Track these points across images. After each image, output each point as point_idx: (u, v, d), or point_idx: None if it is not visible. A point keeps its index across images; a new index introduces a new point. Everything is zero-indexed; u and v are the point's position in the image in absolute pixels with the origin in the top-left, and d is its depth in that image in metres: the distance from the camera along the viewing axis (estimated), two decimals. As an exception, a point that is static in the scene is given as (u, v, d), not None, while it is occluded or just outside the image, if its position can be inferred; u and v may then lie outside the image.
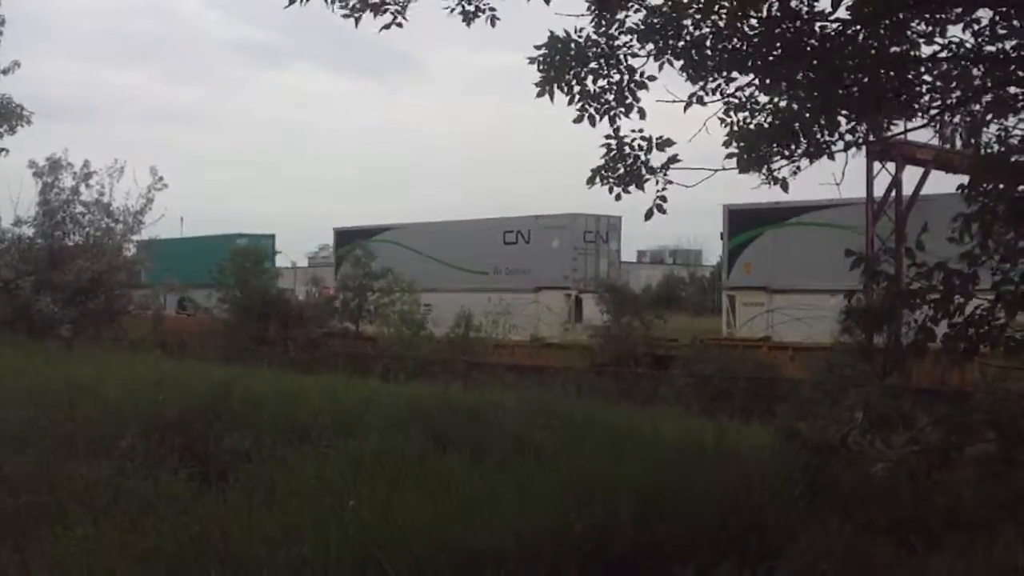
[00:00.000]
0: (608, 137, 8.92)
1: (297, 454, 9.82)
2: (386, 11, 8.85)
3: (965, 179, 8.57)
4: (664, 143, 8.82)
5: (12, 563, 7.07)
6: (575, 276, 31.16)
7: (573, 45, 8.71)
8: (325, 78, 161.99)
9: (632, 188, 8.97)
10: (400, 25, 8.92)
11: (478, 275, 32.38)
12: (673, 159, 8.82)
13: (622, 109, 8.89)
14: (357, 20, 8.83)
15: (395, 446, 10.00)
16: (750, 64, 8.72)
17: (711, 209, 29.29)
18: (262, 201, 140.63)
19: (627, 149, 8.90)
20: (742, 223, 28.86)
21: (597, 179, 9.01)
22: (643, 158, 8.87)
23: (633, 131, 8.89)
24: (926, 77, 8.95)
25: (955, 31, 8.56)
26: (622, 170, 8.94)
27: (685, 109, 8.82)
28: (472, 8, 8.95)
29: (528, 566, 7.22)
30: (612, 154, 8.93)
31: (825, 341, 22.69)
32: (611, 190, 9.03)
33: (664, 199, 8.93)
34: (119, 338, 28.15)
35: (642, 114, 8.90)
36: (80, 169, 30.05)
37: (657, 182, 8.90)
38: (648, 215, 8.94)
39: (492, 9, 8.94)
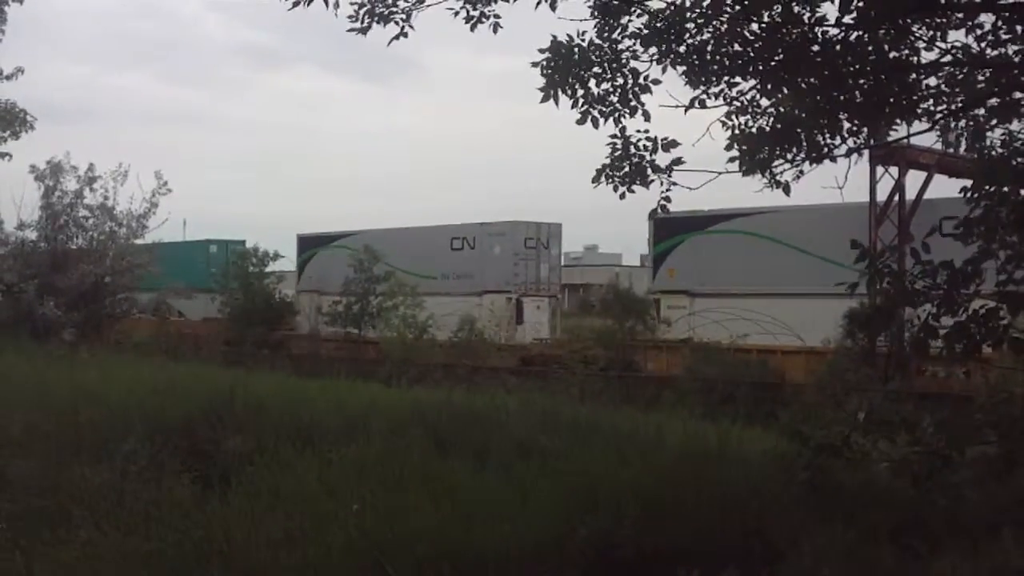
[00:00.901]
0: (614, 136, 8.95)
1: (300, 458, 9.82)
2: (392, 22, 8.91)
3: (968, 183, 8.57)
4: (669, 144, 8.85)
5: (16, 567, 7.08)
6: (516, 280, 32.63)
7: (576, 49, 8.73)
8: (327, 80, 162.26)
9: (636, 188, 9.01)
10: (406, 35, 9.01)
11: (428, 279, 33.82)
12: (678, 160, 8.85)
13: (627, 111, 8.92)
14: (365, 31, 8.91)
15: (398, 450, 10.00)
16: (752, 68, 8.72)
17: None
18: (265, 203, 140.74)
19: (632, 149, 8.93)
20: (666, 230, 30.17)
21: (602, 178, 9.04)
22: (648, 158, 8.90)
23: (639, 131, 8.94)
24: (929, 82, 8.96)
25: (958, 36, 8.58)
26: (627, 169, 8.97)
27: (685, 111, 8.84)
28: (476, 13, 8.98)
29: (532, 571, 7.23)
30: (618, 153, 8.96)
31: (746, 343, 25.13)
32: (616, 189, 9.07)
33: (668, 199, 8.99)
34: (121, 341, 28.15)
35: (646, 116, 8.93)
36: (84, 173, 30.09)
37: (662, 183, 8.94)
38: (652, 215, 9.06)
39: (496, 16, 8.98)
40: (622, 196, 9.08)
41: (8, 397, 13.02)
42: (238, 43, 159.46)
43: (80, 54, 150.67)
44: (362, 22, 8.93)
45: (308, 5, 8.58)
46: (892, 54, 8.58)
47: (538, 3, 8.81)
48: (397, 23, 8.98)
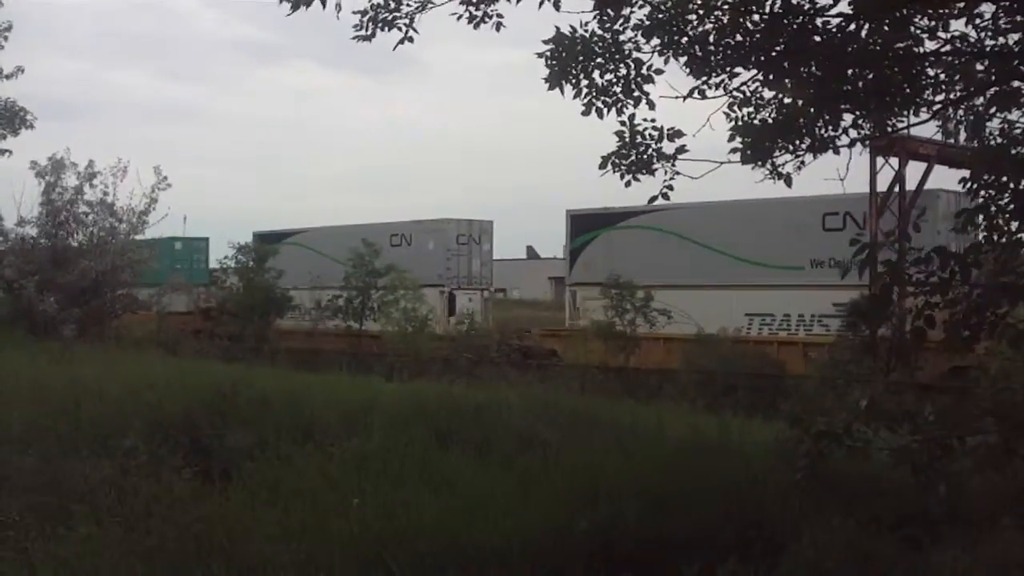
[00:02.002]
0: (622, 124, 8.98)
1: (301, 452, 9.83)
2: (396, 27, 8.92)
3: (968, 174, 8.56)
4: (675, 133, 8.89)
5: (16, 563, 7.08)
6: (448, 275, 34.59)
7: (580, 40, 8.74)
8: (325, 75, 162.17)
9: (642, 176, 9.05)
10: (411, 39, 9.02)
11: None
12: (682, 149, 8.88)
13: (630, 101, 8.94)
14: (370, 38, 8.92)
15: (399, 444, 10.01)
16: (753, 59, 8.72)
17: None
18: (263, 199, 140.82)
19: (639, 138, 8.96)
20: (581, 226, 32.11)
21: (608, 165, 9.08)
22: (655, 146, 8.93)
23: (645, 120, 8.97)
24: (929, 72, 8.94)
25: (958, 26, 8.56)
26: (634, 157, 9.00)
27: (684, 100, 8.85)
28: (480, 14, 8.99)
29: (533, 564, 7.23)
30: (625, 142, 8.99)
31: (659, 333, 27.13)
32: (622, 177, 9.11)
33: (671, 187, 9.02)
34: (122, 336, 28.13)
35: (651, 105, 8.96)
36: (84, 169, 30.05)
37: (665, 172, 8.98)
38: (652, 200, 9.12)
39: (499, 16, 8.99)
40: (627, 184, 9.14)
41: (8, 393, 13.01)
42: (235, 38, 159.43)
43: (77, 50, 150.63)
44: (366, 29, 8.95)
45: (308, 8, 8.56)
46: (893, 44, 8.57)
47: (541, 2, 8.82)
48: (400, 29, 8.99)
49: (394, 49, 9.09)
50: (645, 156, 8.94)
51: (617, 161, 9.02)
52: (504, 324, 33.29)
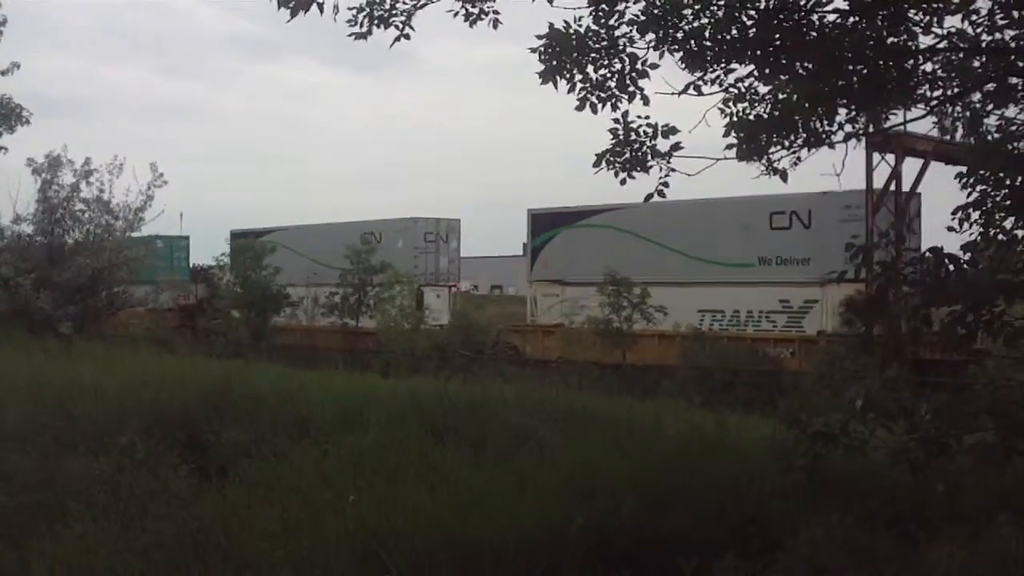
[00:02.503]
0: (616, 122, 8.96)
1: (297, 449, 9.82)
2: (392, 25, 8.89)
3: (965, 170, 8.56)
4: (669, 130, 8.87)
5: (12, 561, 7.07)
6: (416, 272, 35.32)
7: (574, 35, 8.73)
8: (322, 72, 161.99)
9: (636, 174, 9.03)
10: (408, 37, 8.99)
11: (339, 270, 35.80)
12: (677, 146, 8.87)
13: (625, 96, 8.93)
14: (366, 36, 8.89)
15: (395, 441, 10.00)
16: (749, 54, 8.71)
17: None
18: (261, 195, 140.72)
19: (633, 135, 8.94)
20: (542, 224, 32.86)
21: (603, 163, 9.06)
22: (649, 144, 8.91)
23: (639, 117, 8.95)
24: (925, 67, 8.94)
25: (954, 21, 8.55)
26: (628, 155, 8.99)
27: (679, 95, 8.84)
28: (476, 11, 8.97)
29: (529, 560, 7.22)
30: (619, 139, 8.98)
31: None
32: (616, 174, 9.10)
33: (666, 184, 9.02)
34: (119, 334, 28.11)
35: (645, 100, 8.94)
36: (80, 166, 29.99)
37: (661, 169, 8.96)
38: (648, 198, 9.11)
39: (496, 13, 8.97)
40: (623, 182, 9.14)
41: (5, 391, 12.99)
42: (233, 35, 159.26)
43: (74, 47, 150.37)
44: (362, 26, 8.91)
45: (307, 12, 8.53)
46: (889, 40, 8.56)
47: None
48: (397, 27, 8.96)
49: (391, 46, 9.05)
50: (640, 153, 8.93)
51: (612, 159, 9.01)
52: (471, 321, 33.58)
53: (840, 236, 24.16)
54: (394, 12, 8.91)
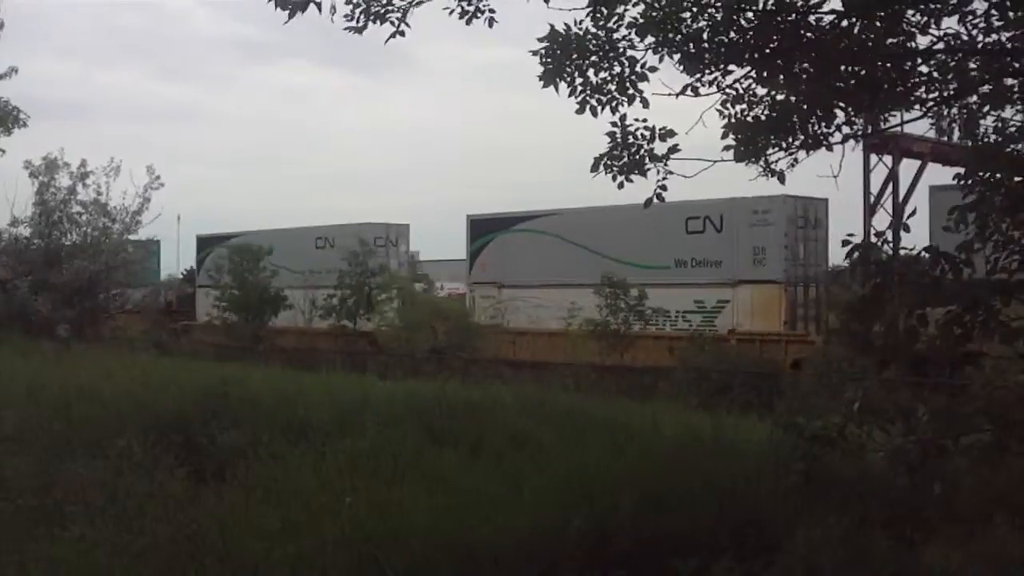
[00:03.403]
0: (614, 125, 8.96)
1: (294, 452, 9.81)
2: (388, 21, 8.89)
3: (962, 171, 8.56)
4: (667, 133, 8.88)
5: (10, 563, 7.07)
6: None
7: (574, 38, 8.73)
8: (317, 74, 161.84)
9: (634, 177, 9.03)
10: (403, 34, 8.98)
11: (297, 274, 38.07)
12: (674, 148, 8.87)
13: (624, 99, 8.93)
14: (361, 30, 8.88)
15: (392, 443, 10.00)
16: (747, 56, 8.71)
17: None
18: (257, 198, 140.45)
19: (631, 138, 8.95)
20: (480, 229, 34.65)
21: (600, 167, 9.06)
22: (647, 147, 8.92)
23: (637, 120, 8.96)
24: (922, 69, 8.94)
25: (950, 23, 8.56)
26: (626, 158, 8.99)
27: (677, 97, 8.84)
28: (472, 9, 8.96)
29: (527, 563, 7.22)
30: (616, 142, 8.98)
31: (545, 327, 29.93)
32: (614, 178, 9.10)
33: (664, 188, 9.02)
34: (116, 337, 28.12)
35: (645, 103, 8.94)
36: (77, 169, 30.02)
37: (658, 171, 8.96)
38: (647, 203, 9.09)
39: (492, 11, 8.97)
40: (620, 186, 9.12)
41: (2, 394, 13.00)
42: (228, 37, 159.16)
43: (68, 50, 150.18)
44: (358, 21, 8.90)
45: (304, 12, 8.52)
46: (886, 41, 8.57)
47: None
48: (393, 23, 8.96)
49: (386, 43, 9.00)
50: (637, 157, 8.93)
51: (609, 163, 9.00)
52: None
53: (749, 239, 27.76)
54: (390, 8, 8.89)
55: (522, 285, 31.46)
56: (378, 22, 8.91)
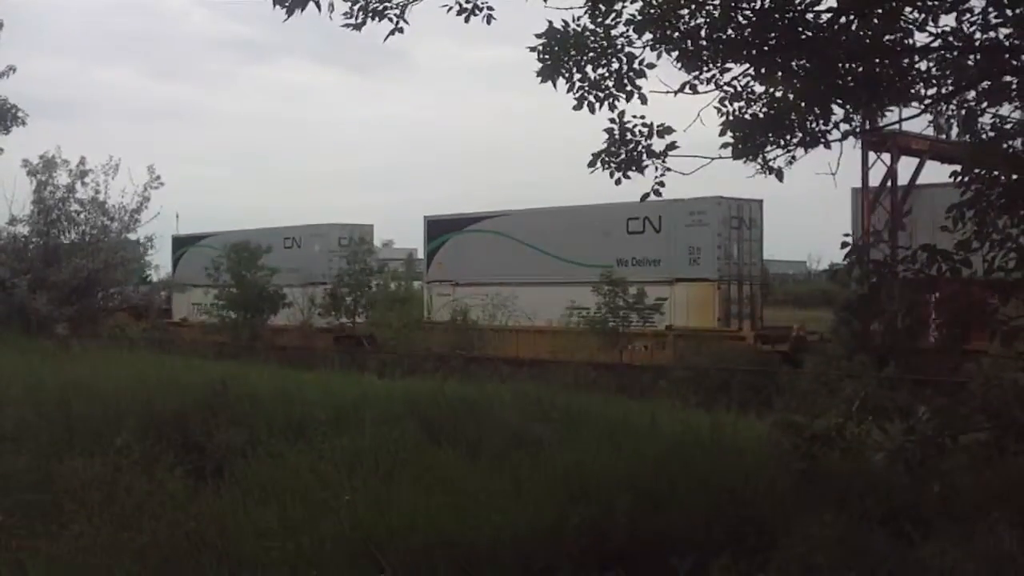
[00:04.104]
0: (612, 121, 8.97)
1: (293, 450, 9.81)
2: (386, 18, 8.88)
3: (960, 169, 8.56)
4: (664, 130, 8.88)
5: (8, 561, 7.07)
6: (331, 274, 37.12)
7: (572, 34, 8.73)
8: (314, 72, 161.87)
9: (632, 173, 9.04)
10: (401, 31, 8.97)
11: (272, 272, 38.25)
12: (672, 145, 8.88)
13: (622, 96, 8.93)
14: (359, 27, 8.86)
15: (390, 441, 9.99)
16: (744, 54, 8.72)
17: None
18: (256, 197, 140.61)
19: (628, 135, 8.95)
20: (436, 230, 35.76)
21: (598, 163, 9.07)
22: (644, 143, 8.92)
23: (635, 117, 8.96)
24: (920, 66, 8.94)
25: (948, 20, 8.56)
26: (623, 155, 8.99)
27: (675, 94, 8.84)
28: (470, 6, 8.96)
29: (525, 560, 7.22)
30: (614, 139, 8.98)
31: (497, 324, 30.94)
32: (612, 174, 9.10)
33: (662, 184, 9.01)
34: (115, 335, 28.10)
35: (643, 100, 8.95)
36: (76, 167, 29.97)
37: (656, 168, 8.97)
38: (644, 198, 9.10)
39: (490, 8, 8.96)
40: (618, 182, 9.13)
41: (0, 392, 12.99)
42: (224, 36, 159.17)
43: (65, 49, 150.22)
44: (356, 18, 8.88)
45: (303, 10, 8.50)
46: (884, 38, 8.57)
47: None
48: (391, 19, 8.94)
49: (384, 40, 9.01)
50: (635, 153, 8.95)
51: (607, 159, 9.02)
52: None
53: (686, 239, 29.06)
54: (388, 4, 8.88)
55: (475, 283, 32.58)
56: (376, 19, 8.90)
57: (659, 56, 8.84)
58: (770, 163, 9.21)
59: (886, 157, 25.24)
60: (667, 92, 8.90)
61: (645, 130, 8.95)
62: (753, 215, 29.56)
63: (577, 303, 29.73)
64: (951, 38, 8.50)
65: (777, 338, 27.79)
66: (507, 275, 31.88)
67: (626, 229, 30.26)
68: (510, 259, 32.22)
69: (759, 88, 9.05)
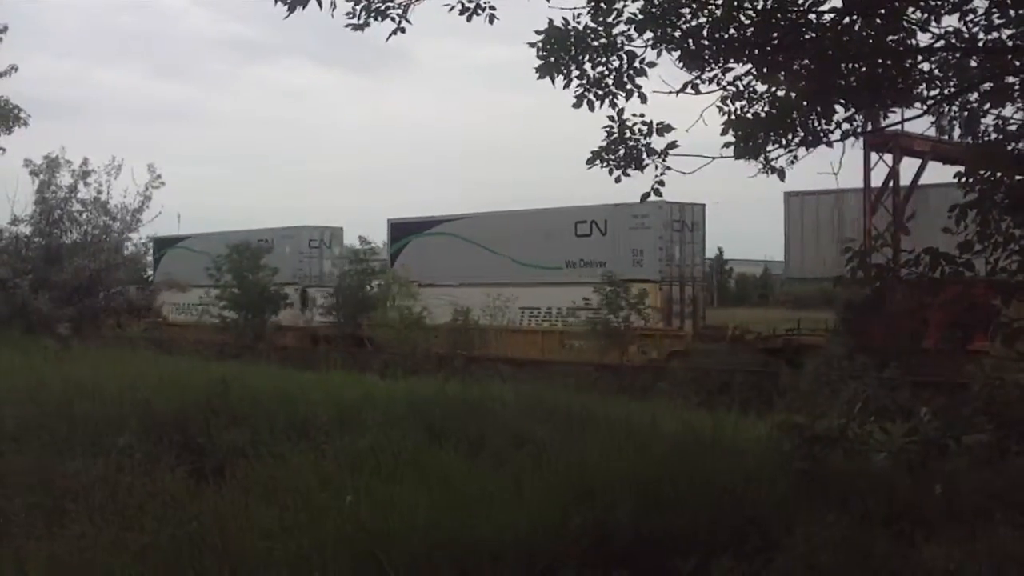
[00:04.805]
0: (611, 119, 8.96)
1: (294, 450, 9.80)
2: (389, 18, 8.88)
3: (962, 170, 8.56)
4: (664, 128, 8.88)
5: (9, 561, 7.06)
6: (301, 274, 39.55)
7: (572, 31, 8.73)
8: (315, 72, 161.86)
9: (632, 172, 9.03)
10: (404, 30, 8.97)
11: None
12: (673, 144, 8.87)
13: (622, 94, 8.93)
14: (362, 28, 8.87)
15: (392, 441, 9.99)
16: (747, 53, 8.71)
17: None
18: (257, 197, 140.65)
19: (628, 133, 8.94)
20: (398, 232, 37.54)
21: (597, 161, 9.06)
22: (644, 141, 8.91)
23: (635, 115, 8.95)
24: (923, 67, 8.94)
25: (951, 21, 8.56)
26: (623, 152, 8.98)
27: (677, 94, 8.83)
28: (472, 5, 8.96)
29: (527, 561, 7.21)
30: (613, 137, 8.98)
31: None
32: (611, 172, 9.10)
33: (662, 183, 9.00)
34: (117, 336, 28.10)
35: (643, 98, 8.94)
36: (78, 167, 29.98)
37: (656, 167, 8.96)
38: (644, 197, 9.08)
39: (492, 8, 8.96)
40: (617, 180, 9.11)
41: (3, 392, 12.99)
42: (225, 37, 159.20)
43: (66, 49, 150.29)
44: (359, 18, 8.89)
45: (305, 7, 8.50)
46: (886, 39, 8.56)
47: None
48: (394, 19, 8.95)
49: (387, 40, 9.00)
50: (634, 151, 8.94)
51: (606, 156, 9.01)
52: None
53: (629, 242, 30.38)
54: (390, 4, 8.88)
55: (435, 284, 33.55)
56: (379, 19, 8.90)
57: (660, 55, 8.83)
58: (772, 163, 9.21)
59: (888, 158, 25.23)
60: (669, 92, 8.89)
61: (644, 128, 8.94)
62: (696, 218, 30.96)
63: (530, 304, 31.67)
64: (954, 39, 8.49)
65: (715, 337, 29.12)
66: (465, 276, 33.12)
67: (575, 232, 31.68)
68: (467, 261, 33.50)
69: (761, 87, 9.05)
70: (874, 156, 24.91)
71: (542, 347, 31.15)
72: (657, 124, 8.88)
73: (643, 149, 8.92)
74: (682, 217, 30.45)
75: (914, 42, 8.66)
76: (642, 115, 8.93)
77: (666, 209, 29.67)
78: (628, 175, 9.02)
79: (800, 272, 30.74)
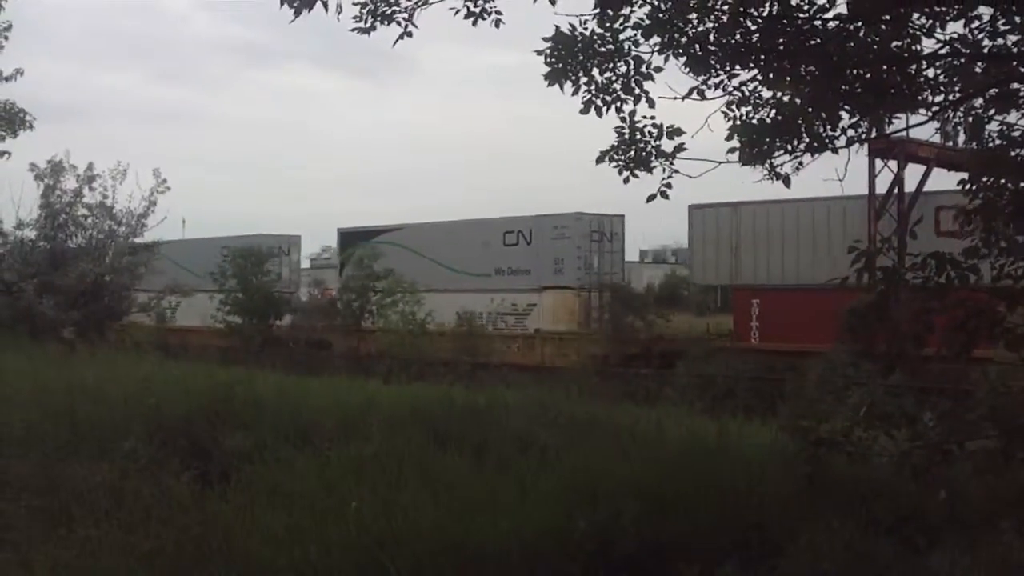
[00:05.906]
0: (622, 120, 8.98)
1: (299, 455, 9.82)
2: (395, 22, 8.90)
3: (967, 176, 8.56)
4: (675, 131, 8.90)
5: (15, 566, 7.08)
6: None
7: (579, 38, 8.74)
8: (318, 76, 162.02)
9: (640, 175, 9.05)
10: (410, 35, 8.99)
11: (201, 278, 39.40)
12: (681, 147, 8.89)
13: (630, 99, 8.94)
14: (369, 31, 8.89)
15: (397, 447, 9.99)
16: (752, 59, 8.72)
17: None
18: (262, 201, 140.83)
19: (638, 134, 8.96)
20: (347, 241, 39.61)
21: (606, 160, 9.08)
22: (654, 143, 8.93)
23: (645, 117, 8.97)
24: (928, 73, 8.94)
25: (956, 27, 8.56)
26: (632, 153, 9.01)
27: (683, 99, 8.85)
28: (478, 10, 8.98)
29: (532, 566, 7.22)
30: (624, 138, 9.00)
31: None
32: (620, 172, 9.11)
33: (669, 186, 9.02)
34: (122, 340, 28.09)
35: (650, 103, 8.96)
36: (84, 171, 30.00)
37: (664, 169, 8.98)
38: (650, 199, 9.10)
39: (498, 12, 8.98)
40: (626, 180, 9.12)
41: (7, 396, 12.99)
42: (228, 40, 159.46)
43: (69, 52, 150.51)
44: (366, 22, 8.92)
45: (311, 10, 8.52)
46: (891, 45, 8.57)
47: None
48: (400, 23, 8.97)
49: (394, 44, 9.02)
50: (644, 153, 8.96)
51: (615, 156, 9.03)
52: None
53: (551, 251, 32.49)
54: (397, 8, 8.91)
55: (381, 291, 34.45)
56: (385, 23, 8.92)
57: (666, 60, 8.84)
58: (777, 169, 9.21)
59: (893, 164, 25.24)
60: (675, 97, 8.91)
61: (655, 131, 8.96)
62: (615, 229, 32.98)
63: (466, 308, 32.90)
64: (959, 45, 8.50)
65: (630, 341, 30.15)
66: (408, 284, 33.58)
67: (503, 241, 34.04)
68: (408, 269, 34.49)
69: (766, 93, 9.05)
70: (879, 162, 24.95)
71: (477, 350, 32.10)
72: (668, 127, 8.90)
73: (652, 151, 8.93)
74: (600, 228, 32.44)
75: (919, 48, 8.66)
76: (652, 118, 8.95)
77: (585, 220, 32.10)
78: (636, 176, 9.04)
79: (703, 279, 32.32)
